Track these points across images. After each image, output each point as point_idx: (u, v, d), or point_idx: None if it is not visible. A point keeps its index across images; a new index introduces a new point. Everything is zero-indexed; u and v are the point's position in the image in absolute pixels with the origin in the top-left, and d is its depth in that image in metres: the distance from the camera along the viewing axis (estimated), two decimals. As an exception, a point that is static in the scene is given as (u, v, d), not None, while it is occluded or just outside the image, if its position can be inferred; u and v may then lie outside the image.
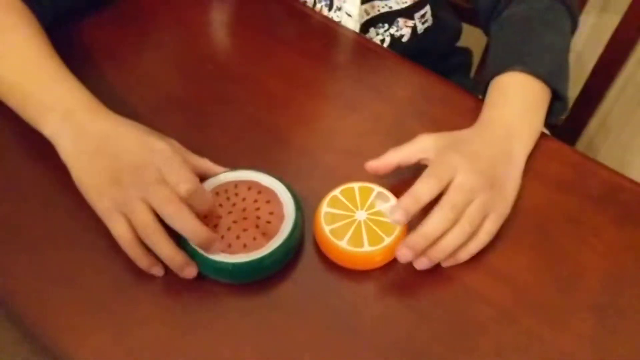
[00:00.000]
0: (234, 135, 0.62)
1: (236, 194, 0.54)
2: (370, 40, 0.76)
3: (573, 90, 1.04)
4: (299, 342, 0.48)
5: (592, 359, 0.48)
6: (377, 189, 0.55)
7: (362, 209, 0.54)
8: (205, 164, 0.56)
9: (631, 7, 0.91)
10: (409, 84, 0.69)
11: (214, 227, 0.52)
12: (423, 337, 0.49)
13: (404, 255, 0.50)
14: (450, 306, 0.51)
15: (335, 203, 0.54)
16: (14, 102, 0.57)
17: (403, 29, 0.81)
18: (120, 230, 0.50)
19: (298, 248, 0.53)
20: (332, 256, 0.53)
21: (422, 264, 0.51)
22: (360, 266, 0.52)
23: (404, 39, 0.81)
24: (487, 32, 0.76)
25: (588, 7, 0.97)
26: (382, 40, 0.80)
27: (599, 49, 0.96)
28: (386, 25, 0.80)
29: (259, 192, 0.54)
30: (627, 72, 1.05)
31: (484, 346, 0.48)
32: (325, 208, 0.54)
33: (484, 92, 0.63)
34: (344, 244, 0.51)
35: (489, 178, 0.53)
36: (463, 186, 0.52)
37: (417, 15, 0.81)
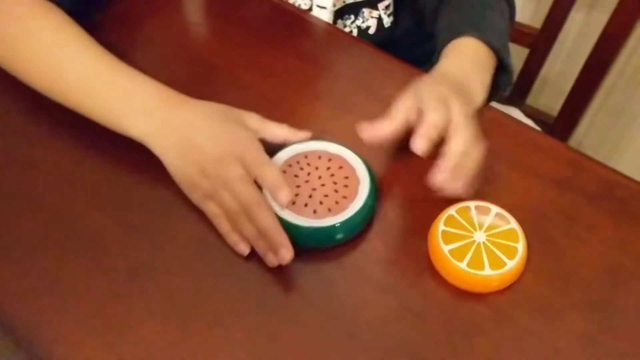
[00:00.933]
0: None
1: (308, 164, 0.56)
2: (362, 40, 0.75)
3: (564, 89, 1.05)
4: (296, 346, 0.48)
5: (589, 357, 0.48)
6: (495, 208, 0.54)
7: (480, 230, 0.52)
8: (284, 131, 0.58)
9: (620, 5, 0.91)
10: (400, 82, 0.68)
11: (295, 196, 0.54)
12: (419, 338, 0.48)
13: (419, 143, 0.52)
14: (446, 306, 0.50)
15: (452, 222, 0.53)
16: (91, 111, 0.57)
17: (369, 20, 0.81)
18: (213, 211, 0.53)
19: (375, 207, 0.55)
20: (450, 277, 0.51)
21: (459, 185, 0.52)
22: (476, 289, 0.51)
23: (370, 31, 0.82)
24: (431, 28, 0.76)
25: (577, 5, 0.97)
26: (350, 33, 0.81)
27: (589, 47, 0.97)
28: (352, 17, 0.81)
29: (330, 160, 0.57)
30: (617, 69, 1.05)
31: (481, 347, 0.48)
32: (442, 226, 0.52)
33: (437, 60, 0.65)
34: (463, 265, 0.50)
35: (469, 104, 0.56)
36: (460, 109, 0.54)
37: (381, 5, 0.82)
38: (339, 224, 0.52)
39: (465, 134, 0.53)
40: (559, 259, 0.53)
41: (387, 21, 0.83)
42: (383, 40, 0.74)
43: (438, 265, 0.52)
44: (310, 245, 0.53)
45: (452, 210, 0.54)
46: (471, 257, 0.51)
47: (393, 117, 0.55)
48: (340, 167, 0.56)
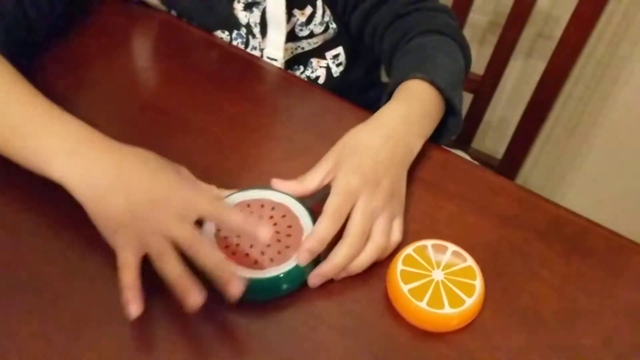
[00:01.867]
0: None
1: (251, 213, 0.55)
2: (313, 85, 0.76)
3: (507, 131, 1.09)
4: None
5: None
6: (451, 247, 0.54)
7: (437, 268, 0.53)
8: (212, 190, 0.57)
9: (555, 53, 0.96)
10: (353, 125, 0.69)
11: (236, 246, 0.52)
12: (383, 381, 0.47)
13: (316, 282, 0.52)
14: (407, 347, 0.50)
15: (409, 262, 0.53)
16: (11, 150, 0.54)
17: (317, 70, 0.83)
18: (126, 259, 0.49)
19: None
20: (409, 316, 0.51)
21: (340, 276, 0.53)
22: (436, 328, 0.51)
23: (320, 80, 0.83)
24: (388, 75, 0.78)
25: (515, 53, 1.01)
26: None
27: (529, 92, 1.01)
28: (301, 67, 0.82)
29: (273, 209, 0.55)
30: (556, 111, 1.10)
31: (446, 387, 0.47)
32: (400, 266, 0.52)
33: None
34: (423, 304, 0.50)
35: (386, 192, 0.55)
36: (364, 211, 0.53)
37: (328, 55, 0.83)
38: (282, 275, 0.51)
39: (355, 242, 0.52)
40: (516, 296, 0.53)
41: (335, 70, 0.84)
42: (333, 89, 0.75)
43: (398, 305, 0.51)
44: (256, 298, 0.50)
45: (409, 250, 0.54)
46: (430, 296, 0.50)
47: (306, 185, 0.56)
48: (284, 216, 0.54)
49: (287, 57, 0.80)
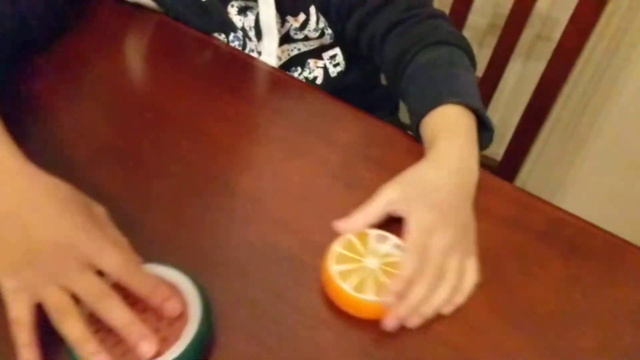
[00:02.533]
0: (177, 183, 0.61)
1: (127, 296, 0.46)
2: (311, 85, 0.76)
3: (506, 133, 1.09)
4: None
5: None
6: (371, 232, 0.55)
7: (369, 257, 0.53)
8: (124, 244, 0.49)
9: (555, 54, 0.96)
10: (351, 127, 0.69)
11: (108, 332, 0.44)
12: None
13: (392, 324, 0.50)
14: (405, 348, 0.50)
15: (349, 246, 0.53)
16: None
17: (314, 70, 0.82)
18: (18, 313, 0.44)
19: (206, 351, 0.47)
20: (334, 296, 0.51)
21: (414, 323, 0.51)
22: (358, 313, 0.51)
23: (318, 81, 0.83)
24: (393, 86, 0.76)
25: (515, 55, 1.01)
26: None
27: (527, 94, 1.01)
28: (299, 69, 0.82)
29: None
30: (555, 113, 1.10)
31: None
32: (338, 248, 0.53)
33: (416, 131, 0.65)
34: (347, 287, 0.50)
35: (459, 227, 0.55)
36: (441, 247, 0.53)
37: (325, 55, 0.82)
38: None
39: (428, 281, 0.51)
40: (514, 297, 0.53)
41: (333, 71, 0.84)
42: (331, 90, 0.75)
43: (326, 286, 0.52)
44: None
45: (351, 235, 0.54)
46: (359, 282, 0.51)
47: (369, 214, 0.55)
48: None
49: (284, 59, 0.80)
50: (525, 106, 1.02)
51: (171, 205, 0.59)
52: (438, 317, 0.52)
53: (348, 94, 0.76)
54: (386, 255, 0.53)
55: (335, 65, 0.84)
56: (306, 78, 0.82)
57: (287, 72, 0.80)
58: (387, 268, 0.52)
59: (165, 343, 0.45)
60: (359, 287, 0.50)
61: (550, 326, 0.52)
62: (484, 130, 0.64)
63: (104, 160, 0.62)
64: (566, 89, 1.13)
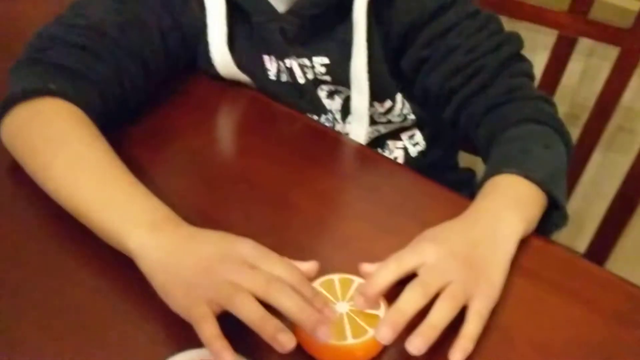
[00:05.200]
0: None
1: None
2: (401, 164, 0.75)
3: (586, 226, 1.04)
4: None
5: None
6: (357, 280, 0.54)
7: (343, 301, 0.52)
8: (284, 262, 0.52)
9: None
10: (442, 207, 0.67)
11: None
12: None
13: (384, 334, 0.48)
14: None
15: None
16: (91, 219, 0.56)
17: (394, 151, 0.82)
18: (200, 311, 0.47)
19: None
20: (312, 350, 0.49)
21: (415, 344, 0.47)
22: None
23: (399, 161, 0.82)
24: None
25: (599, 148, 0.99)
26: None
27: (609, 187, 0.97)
28: (378, 150, 0.81)
29: None
30: None
31: None
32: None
33: None
34: None
35: (466, 259, 0.53)
36: (434, 267, 0.51)
37: (404, 136, 0.82)
38: None
39: (416, 290, 0.50)
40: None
41: (413, 150, 0.83)
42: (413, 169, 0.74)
43: (301, 340, 0.48)
44: None
45: (316, 284, 0.53)
46: (334, 329, 0.48)
47: (403, 267, 0.53)
48: None
49: (365, 142, 0.80)
50: (613, 198, 0.99)
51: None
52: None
53: (427, 174, 0.75)
54: (353, 297, 0.52)
55: (414, 145, 0.83)
56: None
57: (377, 150, 0.80)
58: (357, 309, 0.51)
59: None
60: (335, 335, 0.48)
61: None
62: (556, 209, 0.61)
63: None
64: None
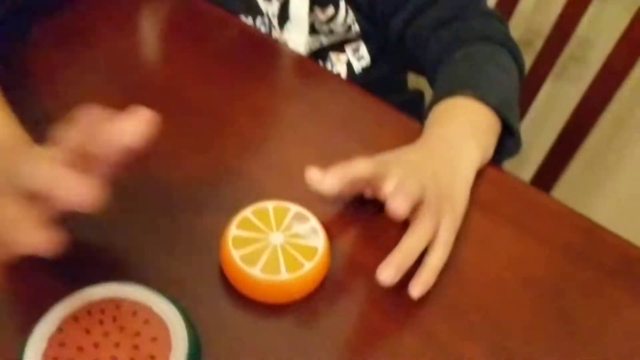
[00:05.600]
0: (187, 172, 0.53)
1: (114, 319, 0.39)
2: (350, 81, 0.69)
3: (532, 158, 1.02)
4: None
5: None
6: (295, 208, 0.48)
7: (277, 231, 0.47)
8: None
9: (598, 76, 0.90)
10: (393, 130, 0.61)
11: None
12: None
13: (389, 277, 0.43)
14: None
15: (246, 225, 0.46)
16: None
17: (337, 64, 0.76)
18: None
19: None
20: (243, 287, 0.45)
21: (388, 274, 0.43)
22: (275, 299, 0.45)
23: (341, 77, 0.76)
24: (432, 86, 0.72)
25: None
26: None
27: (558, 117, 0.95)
28: (320, 62, 0.75)
29: (146, 322, 0.40)
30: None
31: None
32: (234, 231, 0.46)
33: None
34: (257, 271, 0.44)
35: (434, 187, 0.49)
36: (405, 185, 0.46)
37: (348, 49, 0.76)
38: None
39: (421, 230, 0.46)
40: (586, 345, 0.46)
41: (357, 66, 0.77)
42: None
43: (230, 276, 0.45)
44: None
45: (247, 212, 0.47)
46: (266, 262, 0.44)
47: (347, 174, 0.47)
48: (154, 340, 0.39)
49: (305, 52, 0.73)
50: (561, 129, 0.96)
51: (188, 204, 0.51)
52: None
53: (371, 92, 0.69)
54: (289, 226, 0.47)
55: (359, 59, 0.77)
56: None
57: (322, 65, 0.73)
58: (294, 240, 0.46)
59: None
60: (267, 268, 0.44)
61: None
62: (510, 136, 0.58)
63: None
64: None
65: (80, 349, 0.37)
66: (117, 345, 0.38)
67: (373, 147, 0.57)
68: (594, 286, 0.49)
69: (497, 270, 0.49)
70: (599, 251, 0.52)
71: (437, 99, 0.58)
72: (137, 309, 0.40)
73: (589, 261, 0.51)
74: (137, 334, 0.39)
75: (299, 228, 0.47)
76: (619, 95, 0.92)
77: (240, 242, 0.45)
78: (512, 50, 0.66)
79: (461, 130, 0.55)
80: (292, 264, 0.45)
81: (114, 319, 0.39)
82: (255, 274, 0.44)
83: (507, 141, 0.59)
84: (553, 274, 0.50)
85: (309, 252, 0.46)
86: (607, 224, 0.54)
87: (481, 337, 0.45)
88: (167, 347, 0.38)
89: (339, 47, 0.75)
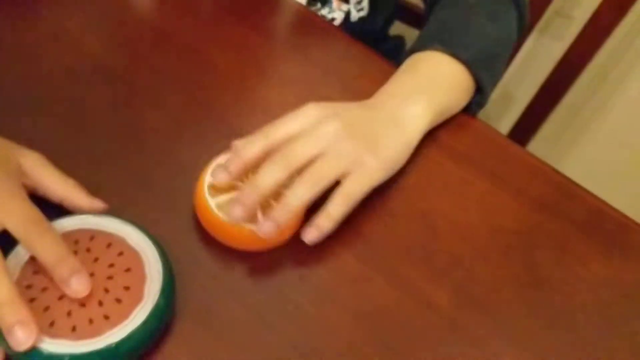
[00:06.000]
0: (166, 111, 0.52)
1: (88, 250, 0.39)
2: (335, 27, 0.68)
3: (511, 112, 1.03)
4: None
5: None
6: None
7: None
8: (67, 190, 0.43)
9: (583, 33, 0.89)
10: (375, 76, 0.61)
11: (42, 290, 0.37)
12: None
13: (236, 213, 0.42)
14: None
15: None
16: None
17: (336, 11, 0.74)
18: None
19: (157, 337, 0.39)
20: (219, 234, 0.44)
21: (265, 228, 0.43)
22: (251, 246, 0.44)
23: (335, 23, 0.75)
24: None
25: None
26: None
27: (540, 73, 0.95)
28: (319, 5, 0.74)
29: (120, 254, 0.40)
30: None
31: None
32: (209, 178, 0.44)
33: None
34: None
35: (353, 128, 0.46)
36: (310, 133, 0.44)
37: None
38: (114, 345, 0.36)
39: (273, 164, 0.43)
40: (552, 295, 0.47)
41: (354, 15, 0.76)
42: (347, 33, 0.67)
43: (207, 224, 0.44)
44: None
45: (221, 158, 0.46)
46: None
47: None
48: (128, 270, 0.39)
49: None
50: (541, 84, 0.96)
51: (165, 142, 0.50)
52: (469, 311, 0.45)
53: (363, 41, 0.67)
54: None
55: (359, 10, 0.75)
56: (323, 16, 0.73)
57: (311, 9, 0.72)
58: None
59: (107, 321, 0.37)
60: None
61: (587, 328, 0.46)
62: (479, 93, 0.57)
63: (92, 82, 0.52)
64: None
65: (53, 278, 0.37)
66: (91, 275, 0.38)
67: (352, 91, 0.56)
68: (563, 239, 0.51)
69: (467, 219, 0.50)
70: (570, 205, 0.53)
71: (409, 51, 0.57)
72: (111, 241, 0.40)
73: (559, 214, 0.52)
74: (111, 265, 0.39)
75: None
76: (600, 53, 0.92)
77: (216, 190, 0.44)
78: (518, 4, 0.62)
79: (415, 87, 0.53)
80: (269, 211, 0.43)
81: (88, 250, 0.39)
82: (230, 222, 0.43)
83: (475, 97, 0.57)
84: (523, 225, 0.51)
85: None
86: (579, 179, 0.55)
87: (448, 283, 0.46)
88: (142, 278, 0.39)
89: None
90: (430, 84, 0.53)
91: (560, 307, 0.47)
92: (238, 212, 0.42)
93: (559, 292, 0.47)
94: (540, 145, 1.08)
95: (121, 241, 0.40)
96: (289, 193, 0.43)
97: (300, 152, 0.44)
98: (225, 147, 0.49)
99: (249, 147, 0.44)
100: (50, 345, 0.35)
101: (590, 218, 0.52)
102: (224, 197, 0.44)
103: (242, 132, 0.51)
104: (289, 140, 0.44)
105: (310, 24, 0.65)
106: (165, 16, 0.60)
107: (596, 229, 0.52)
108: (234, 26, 0.61)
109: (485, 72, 0.57)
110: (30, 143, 0.44)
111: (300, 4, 0.68)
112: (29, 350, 0.35)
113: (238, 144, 0.45)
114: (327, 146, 0.45)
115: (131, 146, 0.49)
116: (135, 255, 0.40)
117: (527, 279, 0.48)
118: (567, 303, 0.47)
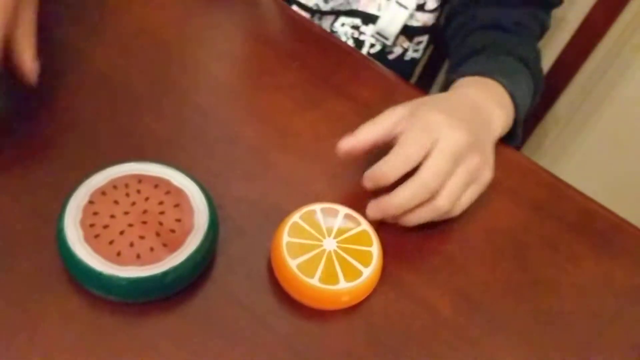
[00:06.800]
0: (171, 125, 0.53)
1: (138, 191, 0.44)
2: (332, 34, 0.69)
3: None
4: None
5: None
6: (344, 210, 0.47)
7: (329, 237, 0.45)
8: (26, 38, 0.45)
9: (576, 36, 0.91)
10: (374, 84, 0.62)
11: (104, 227, 0.41)
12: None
13: (373, 213, 0.48)
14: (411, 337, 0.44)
15: (296, 231, 0.45)
16: None
17: (396, 46, 0.76)
18: None
19: (208, 263, 0.44)
20: (300, 295, 0.44)
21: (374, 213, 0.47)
22: (329, 306, 0.44)
23: (372, 51, 0.76)
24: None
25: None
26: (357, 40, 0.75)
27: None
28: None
29: (167, 193, 0.44)
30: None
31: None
32: (286, 238, 0.44)
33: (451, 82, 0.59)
34: (315, 281, 0.43)
35: (475, 139, 0.48)
36: (444, 150, 0.46)
37: (415, 39, 0.76)
38: (162, 272, 0.40)
39: (416, 190, 0.46)
40: (542, 293, 0.48)
41: (409, 55, 0.77)
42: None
43: (285, 284, 0.44)
44: (129, 298, 0.41)
45: (296, 217, 0.46)
46: (323, 270, 0.43)
47: (374, 130, 0.49)
48: (176, 206, 0.44)
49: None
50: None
51: (163, 149, 0.51)
52: (459, 305, 0.46)
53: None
54: (341, 231, 0.46)
55: (415, 51, 0.78)
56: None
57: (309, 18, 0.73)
58: (346, 245, 0.45)
59: (165, 249, 0.41)
60: (325, 277, 0.43)
61: (578, 327, 0.47)
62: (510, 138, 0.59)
63: (93, 87, 0.54)
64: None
65: (112, 216, 0.42)
66: (145, 212, 0.42)
67: (352, 98, 0.58)
68: (554, 239, 0.52)
69: (461, 220, 0.51)
70: (562, 206, 0.54)
71: (471, 70, 0.59)
72: (158, 183, 0.44)
73: (551, 215, 0.53)
74: (161, 202, 0.43)
75: (352, 232, 0.46)
76: (593, 55, 0.93)
77: (295, 250, 0.44)
78: (537, 77, 0.66)
79: (494, 101, 0.56)
80: (350, 272, 0.44)
81: (138, 191, 0.44)
82: (313, 284, 0.43)
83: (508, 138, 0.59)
84: (516, 226, 0.52)
85: (365, 257, 0.45)
86: (573, 181, 0.56)
87: (443, 283, 0.47)
88: (190, 211, 0.43)
89: (409, 35, 0.74)
90: (500, 104, 0.56)
91: (553, 306, 0.48)
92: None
93: (551, 291, 0.48)
94: (533, 148, 1.09)
95: (166, 182, 0.44)
96: (398, 189, 0.46)
97: (441, 183, 0.46)
98: (223, 151, 0.50)
99: (390, 169, 0.46)
100: (120, 271, 0.39)
101: (582, 218, 0.54)
102: (302, 258, 0.44)
103: (239, 138, 0.52)
104: (432, 170, 0.46)
105: (306, 32, 0.66)
106: (163, 25, 0.61)
107: (587, 228, 0.53)
108: (231, 35, 0.62)
109: (520, 125, 0.59)
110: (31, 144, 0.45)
111: (298, 13, 0.69)
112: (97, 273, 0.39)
113: (377, 172, 0.46)
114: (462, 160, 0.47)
115: (130, 153, 0.50)
116: (181, 193, 0.44)
117: (520, 279, 0.49)
118: (560, 302, 0.48)
